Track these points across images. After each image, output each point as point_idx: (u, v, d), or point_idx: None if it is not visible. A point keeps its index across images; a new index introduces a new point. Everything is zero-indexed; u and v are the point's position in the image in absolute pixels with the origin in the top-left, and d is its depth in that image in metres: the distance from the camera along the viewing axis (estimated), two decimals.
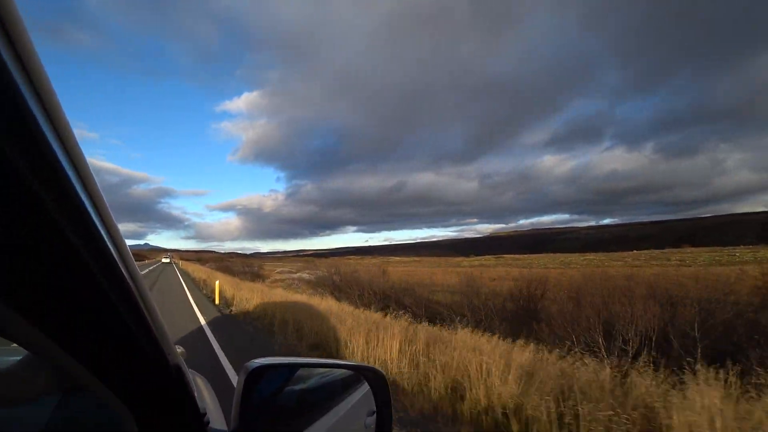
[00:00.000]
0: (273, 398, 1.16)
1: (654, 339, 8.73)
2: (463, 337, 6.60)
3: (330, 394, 1.46)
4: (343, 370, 1.53)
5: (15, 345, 0.87)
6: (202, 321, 9.94)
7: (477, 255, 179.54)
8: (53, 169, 0.35)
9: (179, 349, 1.71)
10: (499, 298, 12.71)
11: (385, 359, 5.51)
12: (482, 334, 7.66)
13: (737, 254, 60.32)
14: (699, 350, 7.82)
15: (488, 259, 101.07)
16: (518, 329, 10.07)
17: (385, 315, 9.05)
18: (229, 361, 6.14)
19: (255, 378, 1.04)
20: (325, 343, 6.83)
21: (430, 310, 13.17)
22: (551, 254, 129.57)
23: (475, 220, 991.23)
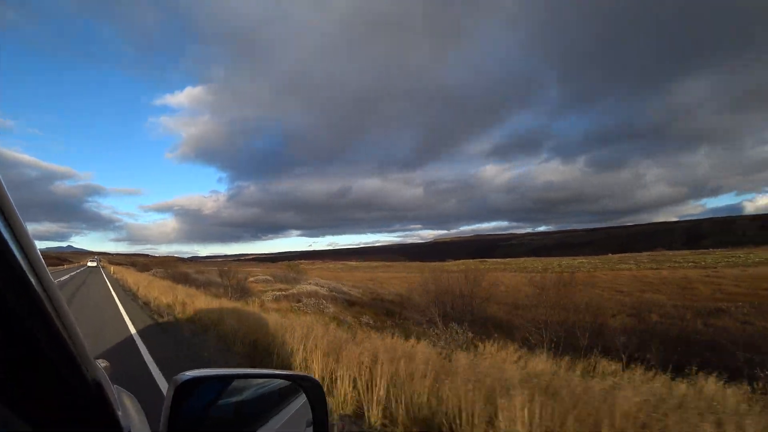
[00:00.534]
0: (206, 412, 1.12)
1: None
2: None
3: (267, 405, 1.43)
4: (281, 381, 1.51)
5: None
6: None
7: (431, 260, 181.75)
8: None
9: (102, 363, 1.53)
10: None
11: None
12: None
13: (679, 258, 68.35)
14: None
15: (474, 263, 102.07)
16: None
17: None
18: None
19: (186, 392, 1.01)
20: None
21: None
22: (514, 258, 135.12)
23: (419, 225, 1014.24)
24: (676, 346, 10.44)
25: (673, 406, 3.79)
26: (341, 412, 4.43)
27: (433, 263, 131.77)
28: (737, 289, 26.85)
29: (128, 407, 1.20)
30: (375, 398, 4.32)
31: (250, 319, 8.44)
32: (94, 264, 60.38)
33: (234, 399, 1.29)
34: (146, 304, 13.99)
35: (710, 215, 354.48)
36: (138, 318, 10.68)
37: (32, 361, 0.52)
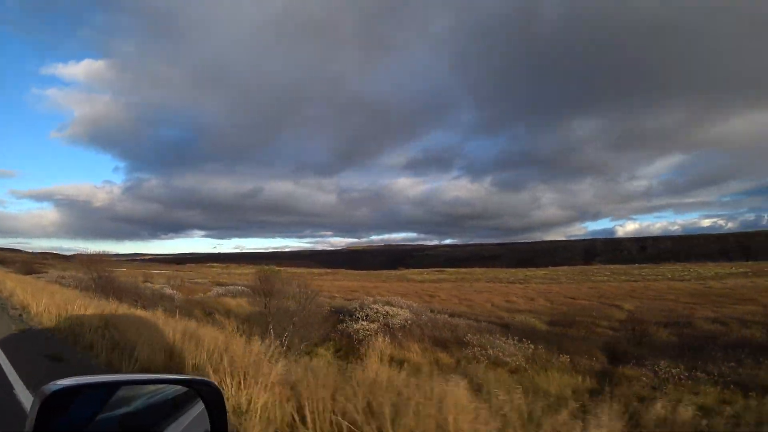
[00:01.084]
0: (84, 429, 0.96)
1: None
2: None
3: (159, 415, 1.28)
4: (176, 387, 1.35)
5: None
6: None
7: (345, 267, 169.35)
8: None
9: None
10: None
11: None
12: None
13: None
14: None
15: (431, 273, 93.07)
16: None
17: None
18: None
19: (57, 405, 0.86)
20: None
21: None
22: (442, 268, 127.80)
23: (330, 232, 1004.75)
24: None
25: None
26: None
27: (361, 271, 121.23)
28: None
29: None
30: None
31: None
32: None
33: (120, 411, 1.13)
34: None
35: (590, 236, 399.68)
36: None
37: None
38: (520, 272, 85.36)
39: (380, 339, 12.02)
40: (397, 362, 7.59)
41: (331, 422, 3.14)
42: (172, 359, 5.22)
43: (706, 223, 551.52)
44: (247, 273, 58.41)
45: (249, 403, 3.77)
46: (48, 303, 10.02)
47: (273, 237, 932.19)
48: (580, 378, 9.59)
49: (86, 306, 9.23)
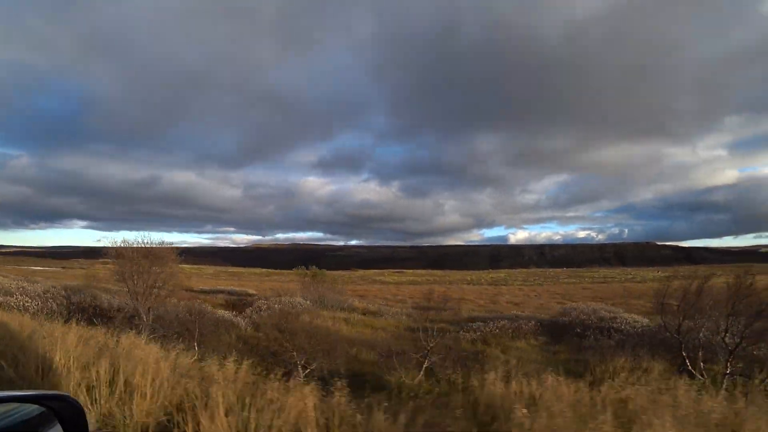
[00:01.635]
0: None
1: None
2: None
3: None
4: (29, 407, 1.10)
5: None
6: None
7: (251, 266, 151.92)
8: None
9: None
10: None
11: None
12: None
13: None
14: None
15: (390, 275, 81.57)
16: None
17: None
18: None
19: None
20: None
21: None
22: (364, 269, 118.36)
23: (233, 228, 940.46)
24: None
25: None
26: None
27: (272, 269, 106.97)
28: None
29: None
30: None
31: None
32: None
33: None
34: None
35: (486, 242, 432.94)
36: None
37: None
38: (484, 274, 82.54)
39: None
40: None
41: None
42: None
43: (582, 234, 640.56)
44: None
45: None
46: None
47: (169, 231, 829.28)
48: None
49: None
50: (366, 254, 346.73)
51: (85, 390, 3.67)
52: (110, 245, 11.42)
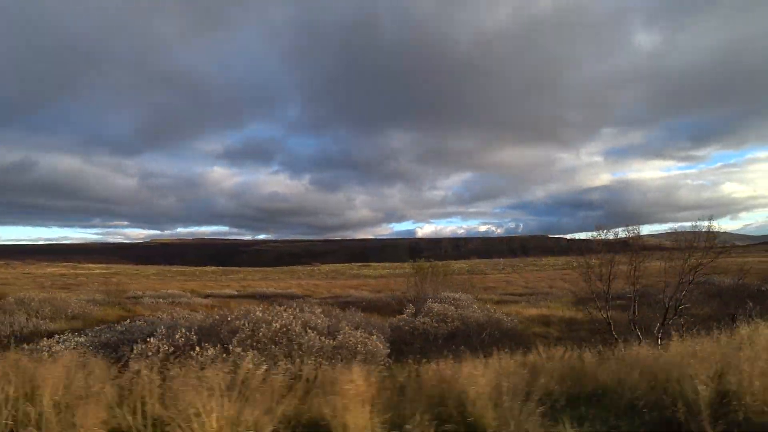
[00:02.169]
0: None
1: None
2: None
3: None
4: None
5: None
6: None
7: (153, 263, 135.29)
8: None
9: None
10: None
11: None
12: None
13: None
14: None
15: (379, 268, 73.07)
16: None
17: None
18: None
19: None
20: None
21: None
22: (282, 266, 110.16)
23: (126, 222, 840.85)
24: None
25: None
26: None
27: (189, 267, 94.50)
28: None
29: None
30: None
31: None
32: None
33: None
34: None
35: (395, 236, 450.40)
36: None
37: None
38: (480, 263, 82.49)
39: None
40: None
41: None
42: None
43: (483, 228, 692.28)
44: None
45: None
46: None
47: (47, 226, 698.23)
48: None
49: None
50: (283, 249, 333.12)
51: None
52: None
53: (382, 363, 6.52)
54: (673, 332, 7.32)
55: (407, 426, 3.22)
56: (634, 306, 10.52)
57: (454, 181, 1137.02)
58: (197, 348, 5.96)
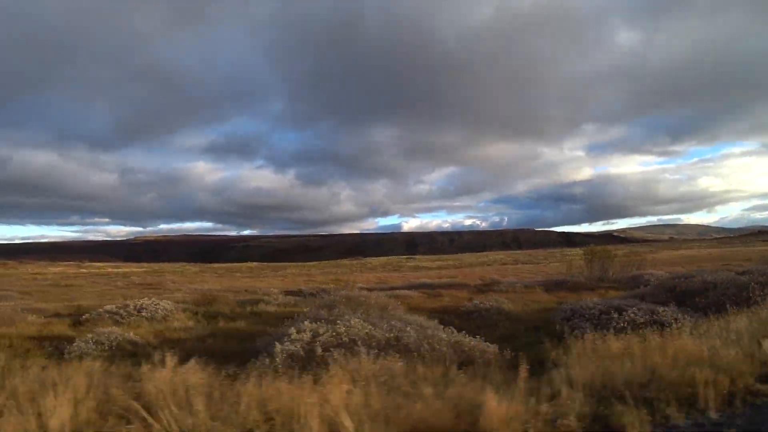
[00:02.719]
0: None
1: None
2: None
3: None
4: None
5: None
6: None
7: (145, 261, 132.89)
8: None
9: None
10: None
11: None
12: None
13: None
14: None
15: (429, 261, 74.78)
16: None
17: None
18: None
19: None
20: None
21: None
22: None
23: (106, 220, 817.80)
24: None
25: None
26: None
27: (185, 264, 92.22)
28: None
29: None
30: None
31: None
32: None
33: None
34: None
35: (380, 231, 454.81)
36: None
37: None
38: (501, 255, 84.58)
39: None
40: None
41: None
42: None
43: (468, 222, 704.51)
44: None
45: None
46: None
47: (22, 224, 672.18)
48: None
49: None
50: (278, 244, 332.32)
51: None
52: None
53: None
54: None
55: None
56: None
57: (438, 176, 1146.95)
58: None
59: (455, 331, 6.84)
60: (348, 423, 2.71)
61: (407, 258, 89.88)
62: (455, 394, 3.24)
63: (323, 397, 2.99)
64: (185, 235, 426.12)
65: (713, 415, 2.96)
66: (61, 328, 12.29)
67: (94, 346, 8.91)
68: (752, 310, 6.80)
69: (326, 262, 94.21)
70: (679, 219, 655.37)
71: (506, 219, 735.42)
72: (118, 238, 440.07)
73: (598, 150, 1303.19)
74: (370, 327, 6.33)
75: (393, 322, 6.81)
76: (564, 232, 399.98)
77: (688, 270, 21.74)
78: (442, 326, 7.18)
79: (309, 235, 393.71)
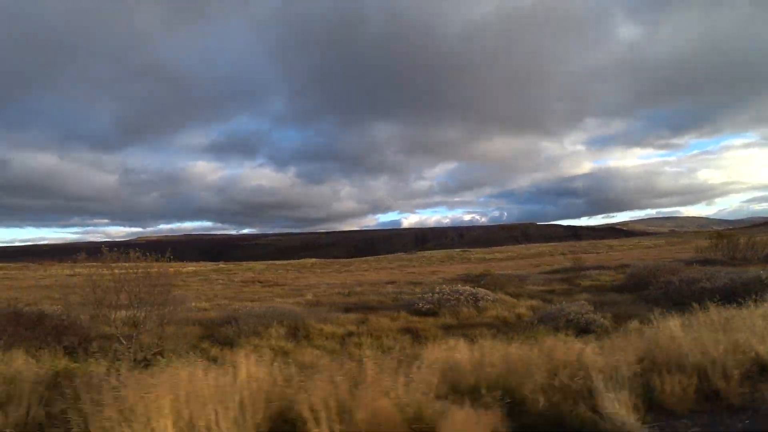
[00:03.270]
0: None
1: None
2: None
3: None
4: None
5: None
6: None
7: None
8: None
9: None
10: None
11: None
12: None
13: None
14: None
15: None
16: None
17: None
18: None
19: None
20: None
21: None
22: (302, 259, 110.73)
23: (106, 220, 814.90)
24: None
25: None
26: None
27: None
28: None
29: None
30: None
31: None
32: None
33: None
34: None
35: (380, 227, 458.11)
36: None
37: None
38: (544, 247, 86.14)
39: None
40: None
41: None
42: None
43: (468, 217, 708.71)
44: None
45: None
46: None
47: (21, 226, 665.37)
48: None
49: None
50: (285, 242, 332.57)
51: None
52: None
53: None
54: None
55: None
56: None
57: (439, 172, 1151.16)
58: None
59: None
60: None
61: (461, 251, 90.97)
62: None
63: None
64: (187, 234, 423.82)
65: None
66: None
67: None
68: None
69: (383, 257, 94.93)
70: (678, 211, 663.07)
71: (506, 214, 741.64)
72: (119, 239, 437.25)
73: (599, 144, 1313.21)
74: None
75: None
76: (571, 226, 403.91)
77: None
78: None
79: (315, 233, 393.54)
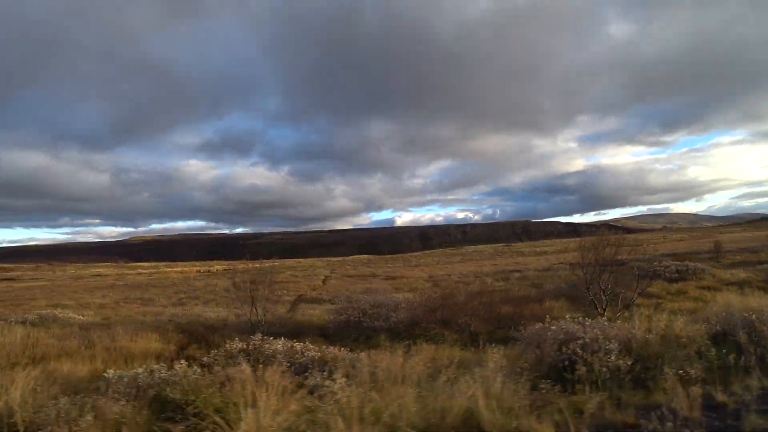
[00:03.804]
0: None
1: None
2: None
3: None
4: None
5: None
6: None
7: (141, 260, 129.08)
8: None
9: None
10: None
11: None
12: None
13: None
14: None
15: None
16: None
17: None
18: None
19: None
20: None
21: None
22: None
23: (97, 220, 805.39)
24: None
25: None
26: None
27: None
28: None
29: None
30: None
31: None
32: None
33: None
34: None
35: (374, 225, 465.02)
36: None
37: None
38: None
39: None
40: None
41: None
42: None
43: (461, 215, 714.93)
44: None
45: None
46: None
47: (11, 227, 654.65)
48: None
49: None
50: (290, 240, 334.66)
51: None
52: None
53: None
54: None
55: None
56: None
57: (432, 170, 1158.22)
58: None
59: None
60: None
61: (504, 246, 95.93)
62: None
63: None
64: (182, 234, 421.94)
65: None
66: None
67: None
68: None
69: (430, 251, 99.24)
70: (668, 208, 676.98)
71: (499, 211, 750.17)
72: (110, 239, 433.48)
73: (591, 141, 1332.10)
74: None
75: None
76: (570, 223, 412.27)
77: None
78: None
79: (317, 232, 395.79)
